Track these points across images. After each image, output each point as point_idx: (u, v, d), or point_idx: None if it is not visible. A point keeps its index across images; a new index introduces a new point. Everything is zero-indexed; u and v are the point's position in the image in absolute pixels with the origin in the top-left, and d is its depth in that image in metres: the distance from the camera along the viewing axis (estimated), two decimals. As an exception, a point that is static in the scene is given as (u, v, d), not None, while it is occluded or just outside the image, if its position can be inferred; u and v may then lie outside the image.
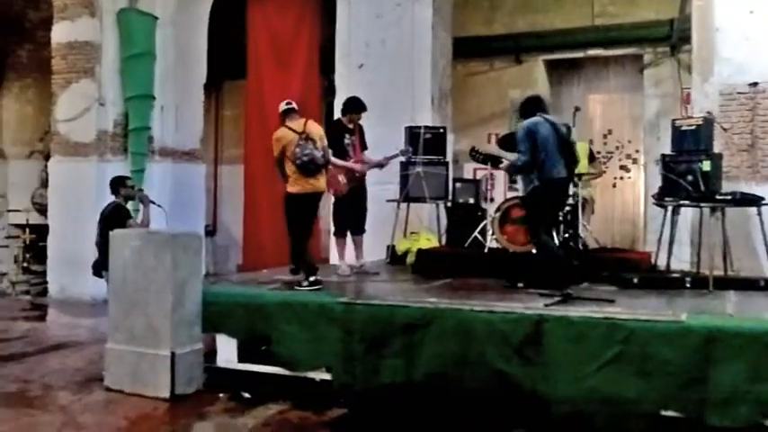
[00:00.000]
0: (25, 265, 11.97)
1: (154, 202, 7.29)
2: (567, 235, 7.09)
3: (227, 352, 5.91)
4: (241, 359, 5.86)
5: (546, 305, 5.14)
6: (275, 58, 10.76)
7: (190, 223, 10.71)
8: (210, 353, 5.95)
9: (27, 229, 11.76)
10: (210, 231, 13.58)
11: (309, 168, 6.54)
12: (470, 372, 5.02)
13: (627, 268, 6.72)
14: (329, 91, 10.51)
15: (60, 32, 9.84)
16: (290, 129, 6.66)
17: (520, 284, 6.21)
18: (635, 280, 6.35)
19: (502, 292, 5.99)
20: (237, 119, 12.82)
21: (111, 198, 7.29)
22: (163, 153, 10.32)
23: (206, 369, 5.86)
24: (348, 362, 5.39)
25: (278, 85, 10.70)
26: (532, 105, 6.40)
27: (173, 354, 5.56)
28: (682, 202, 6.75)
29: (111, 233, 5.96)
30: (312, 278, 6.15)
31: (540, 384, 4.83)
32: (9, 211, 12.13)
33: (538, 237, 6.21)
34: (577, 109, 7.21)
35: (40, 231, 10.43)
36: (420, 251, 7.53)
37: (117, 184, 7.26)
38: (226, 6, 11.04)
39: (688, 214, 7.40)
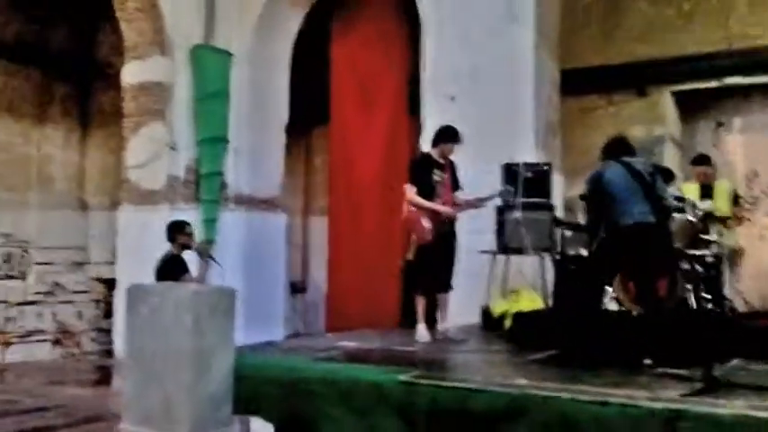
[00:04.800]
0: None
1: (213, 258, 6.29)
2: (709, 296, 5.52)
3: (262, 440, 4.70)
4: (280, 450, 4.63)
5: (682, 395, 3.63)
6: (360, 98, 9.69)
7: (268, 279, 9.79)
8: (244, 440, 4.77)
9: (102, 283, 11.12)
10: (300, 288, 12.58)
11: None
12: (573, 488, 3.57)
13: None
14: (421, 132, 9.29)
15: (131, 73, 9.21)
16: None
17: (647, 361, 4.69)
18: (808, 358, 4.67)
19: (622, 371, 4.47)
20: (327, 167, 11.84)
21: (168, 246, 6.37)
22: (237, 201, 9.40)
23: (237, 461, 4.68)
24: (410, 463, 4.05)
25: (363, 128, 9.63)
26: (609, 150, 5.33)
27: (192, 441, 4.41)
28: None
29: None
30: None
31: None
32: (80, 263, 11.50)
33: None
34: (720, 124, 5.70)
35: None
36: (517, 315, 6.10)
37: (174, 229, 6.36)
38: (314, 45, 10.15)
39: None
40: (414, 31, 8.99)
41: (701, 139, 10.59)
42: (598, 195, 5.10)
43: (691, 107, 10.76)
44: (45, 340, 10.62)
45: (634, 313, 5.55)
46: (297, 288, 12.48)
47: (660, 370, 4.41)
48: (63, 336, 10.87)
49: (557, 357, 5.09)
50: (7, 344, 10.09)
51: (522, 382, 4.07)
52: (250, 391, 4.71)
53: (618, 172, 5.06)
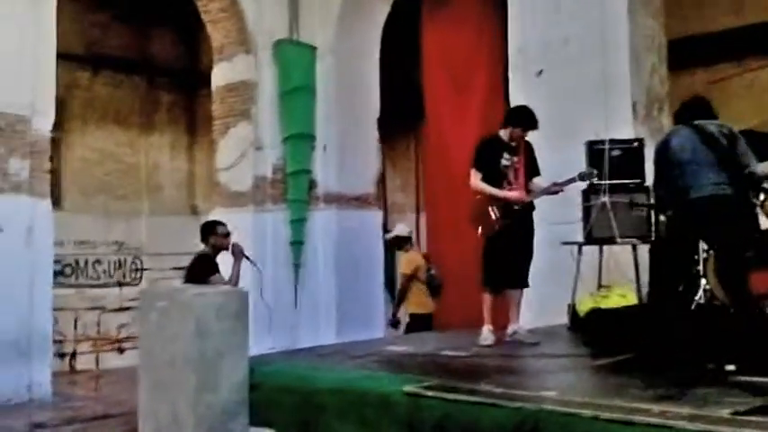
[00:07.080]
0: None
1: (249, 258, 5.96)
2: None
3: (279, 455, 4.24)
4: (297, 466, 4.16)
5: (733, 413, 2.78)
6: (453, 86, 9.02)
7: (364, 279, 9.37)
8: (261, 454, 4.33)
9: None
10: (412, 288, 12.05)
11: (438, 291, 7.92)
12: None
13: None
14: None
15: (219, 75, 9.17)
16: (419, 253, 8.16)
17: (730, 367, 3.80)
18: None
19: (689, 380, 3.61)
20: (432, 161, 11.28)
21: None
22: (327, 200, 9.06)
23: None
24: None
25: (457, 119, 8.95)
26: (681, 113, 4.62)
27: (197, 457, 4.03)
28: None
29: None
30: None
31: None
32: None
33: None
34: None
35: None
36: (593, 313, 5.28)
37: (208, 230, 6.05)
38: (416, 34, 9.61)
39: None
40: (507, 12, 8.26)
41: None
42: (664, 166, 4.25)
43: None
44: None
45: (732, 310, 4.61)
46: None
47: (741, 379, 3.53)
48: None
49: (627, 362, 4.28)
50: (121, 350, 10.35)
51: (549, 394, 3.35)
52: (265, 401, 4.28)
53: (686, 137, 4.21)
